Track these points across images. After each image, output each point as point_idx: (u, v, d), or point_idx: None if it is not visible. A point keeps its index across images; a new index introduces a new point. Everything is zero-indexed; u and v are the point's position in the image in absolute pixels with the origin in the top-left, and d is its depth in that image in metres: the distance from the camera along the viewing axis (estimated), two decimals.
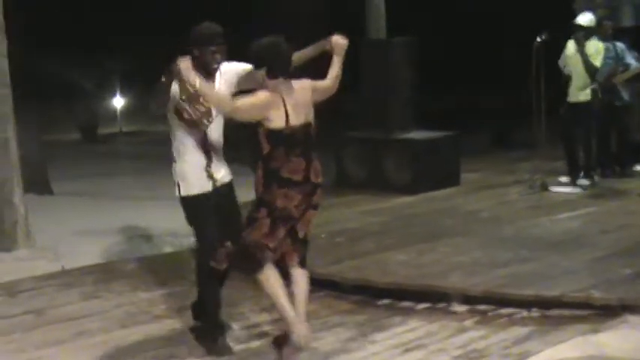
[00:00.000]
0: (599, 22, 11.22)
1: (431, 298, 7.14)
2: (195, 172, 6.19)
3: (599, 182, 11.15)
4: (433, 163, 11.32)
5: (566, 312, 6.75)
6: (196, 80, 5.66)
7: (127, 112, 26.50)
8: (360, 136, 11.80)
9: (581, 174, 11.07)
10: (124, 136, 25.25)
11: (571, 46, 11.04)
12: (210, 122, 6.15)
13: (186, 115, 6.07)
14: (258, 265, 5.78)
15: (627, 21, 14.49)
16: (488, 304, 6.95)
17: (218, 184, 6.26)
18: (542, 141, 10.95)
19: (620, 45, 11.47)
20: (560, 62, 11.22)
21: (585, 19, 10.91)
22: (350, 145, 11.78)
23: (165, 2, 22.18)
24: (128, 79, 25.10)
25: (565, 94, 11.07)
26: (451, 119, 12.92)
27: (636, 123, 12.01)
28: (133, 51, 24.43)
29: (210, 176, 6.22)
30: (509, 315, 6.79)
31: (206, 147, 6.18)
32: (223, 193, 6.30)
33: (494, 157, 14.27)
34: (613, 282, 7.11)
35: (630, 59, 11.47)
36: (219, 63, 6.10)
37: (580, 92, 10.91)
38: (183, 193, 6.20)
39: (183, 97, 6.02)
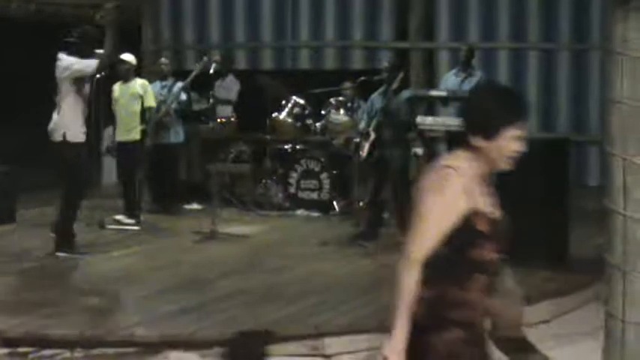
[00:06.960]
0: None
1: None
2: None
3: (145, 221, 11.04)
4: None
5: (110, 351, 6.71)
6: None
7: None
8: None
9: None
10: None
11: (117, 87, 11.24)
12: None
13: None
14: None
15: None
16: (31, 345, 6.73)
17: None
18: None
19: (179, 84, 11.81)
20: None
21: (130, 56, 11.22)
22: None
23: None
24: None
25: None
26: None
27: (187, 162, 12.51)
28: None
29: None
30: (51, 356, 6.64)
31: None
32: None
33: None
34: (156, 319, 7.20)
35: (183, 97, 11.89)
36: None
37: (130, 131, 11.08)
38: None
39: None
